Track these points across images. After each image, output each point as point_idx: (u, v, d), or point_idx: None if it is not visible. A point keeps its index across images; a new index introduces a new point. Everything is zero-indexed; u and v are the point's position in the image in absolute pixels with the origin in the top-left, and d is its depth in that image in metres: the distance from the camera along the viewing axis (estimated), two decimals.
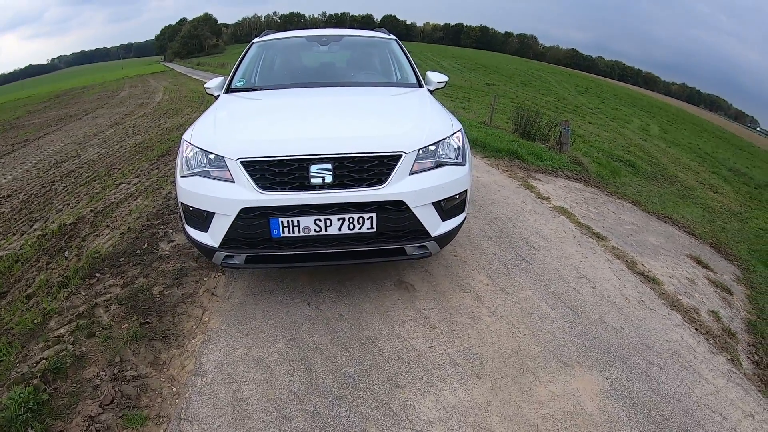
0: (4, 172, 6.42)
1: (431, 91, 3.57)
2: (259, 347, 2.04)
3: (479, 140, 6.81)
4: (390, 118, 2.54)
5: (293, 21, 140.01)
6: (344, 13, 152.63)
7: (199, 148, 2.18)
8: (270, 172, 2.04)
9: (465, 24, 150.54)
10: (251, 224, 2.03)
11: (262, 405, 1.72)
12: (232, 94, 3.07)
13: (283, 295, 2.43)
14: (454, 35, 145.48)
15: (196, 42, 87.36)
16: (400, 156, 2.13)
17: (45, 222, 4.04)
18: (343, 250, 2.08)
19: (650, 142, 17.39)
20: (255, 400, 1.75)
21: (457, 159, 2.37)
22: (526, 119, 8.16)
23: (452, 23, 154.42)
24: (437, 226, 2.24)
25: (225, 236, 2.06)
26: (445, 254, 2.97)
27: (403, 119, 2.50)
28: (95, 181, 5.10)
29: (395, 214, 2.10)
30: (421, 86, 3.24)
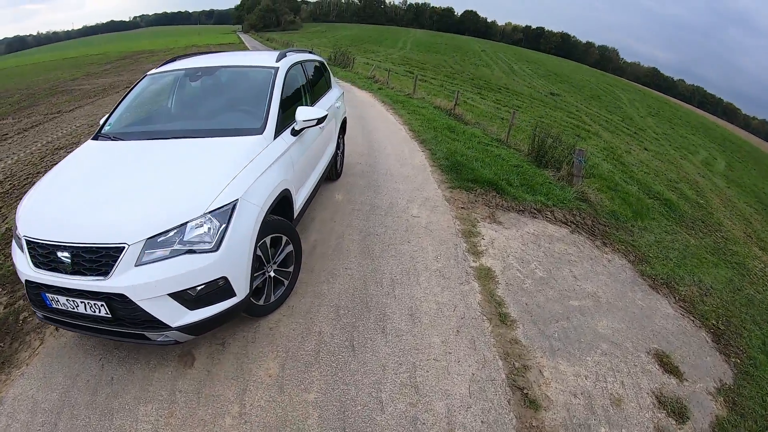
0: (16, 150, 7.67)
1: (298, 131, 3.44)
2: (44, 392, 2.64)
3: (463, 164, 6.33)
4: (150, 194, 2.46)
5: (372, 7, 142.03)
6: (425, 3, 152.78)
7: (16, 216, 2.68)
8: (37, 252, 2.36)
9: (546, 28, 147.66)
10: (33, 293, 2.49)
11: None
12: (95, 140, 3.31)
13: (92, 346, 2.98)
14: (533, 38, 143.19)
15: (273, 16, 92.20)
16: (123, 248, 2.18)
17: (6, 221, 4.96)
18: (97, 327, 2.42)
19: (708, 178, 15.25)
20: None
21: (207, 244, 2.30)
22: (542, 142, 7.40)
23: (533, 26, 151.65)
24: (181, 316, 2.32)
25: (28, 296, 2.61)
26: (262, 325, 3.04)
27: (158, 196, 2.42)
28: None
29: (122, 305, 2.23)
30: (262, 132, 3.09)
